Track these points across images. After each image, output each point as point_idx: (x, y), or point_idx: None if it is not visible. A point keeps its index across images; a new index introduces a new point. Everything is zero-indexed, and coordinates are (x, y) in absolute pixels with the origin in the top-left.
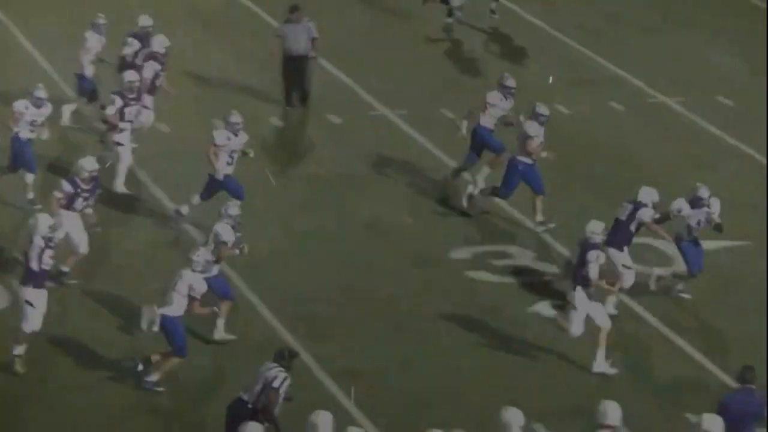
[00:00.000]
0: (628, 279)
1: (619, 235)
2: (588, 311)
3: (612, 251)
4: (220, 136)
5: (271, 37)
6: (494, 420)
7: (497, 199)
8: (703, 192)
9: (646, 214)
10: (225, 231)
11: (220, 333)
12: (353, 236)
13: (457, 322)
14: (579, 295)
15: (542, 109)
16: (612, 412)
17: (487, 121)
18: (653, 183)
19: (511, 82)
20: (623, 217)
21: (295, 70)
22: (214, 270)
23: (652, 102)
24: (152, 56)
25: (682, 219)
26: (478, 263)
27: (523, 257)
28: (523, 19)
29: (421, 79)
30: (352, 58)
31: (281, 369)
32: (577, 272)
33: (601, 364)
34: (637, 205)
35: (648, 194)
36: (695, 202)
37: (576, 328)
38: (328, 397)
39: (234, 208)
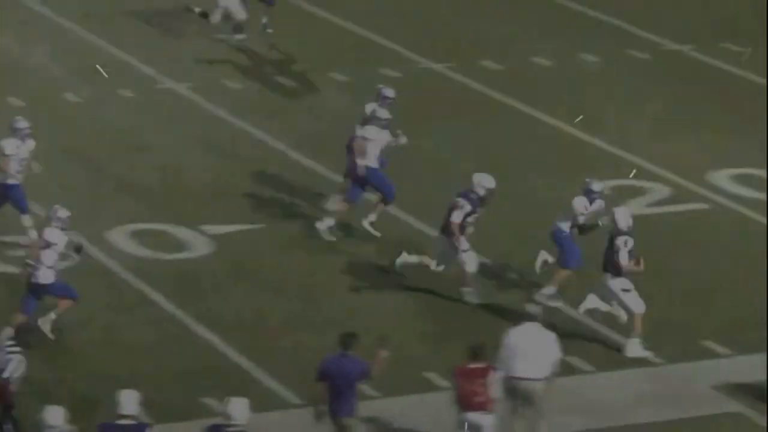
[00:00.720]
0: (472, 263)
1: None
2: (623, 299)
3: (445, 239)
4: (10, 144)
5: None
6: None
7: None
8: (596, 186)
9: (457, 216)
10: (55, 235)
11: (46, 325)
12: None
13: None
14: (615, 283)
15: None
16: (127, 400)
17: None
18: (164, 168)
19: (388, 92)
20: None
21: None
22: (52, 275)
23: (160, 88)
24: None
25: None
26: None
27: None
28: (26, 6)
29: None
30: None
31: (15, 351)
32: (609, 261)
33: (636, 350)
34: (466, 193)
35: (484, 181)
36: (588, 196)
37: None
38: None
39: (62, 210)
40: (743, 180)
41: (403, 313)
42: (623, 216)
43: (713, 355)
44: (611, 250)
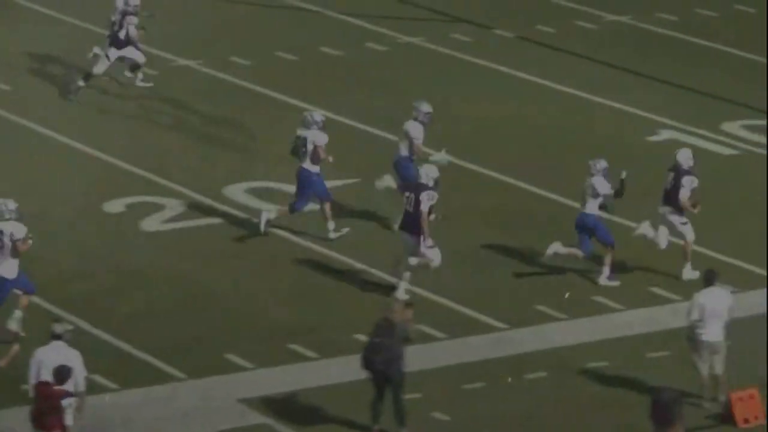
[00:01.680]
0: (436, 257)
1: (411, 222)
2: (682, 230)
3: (409, 236)
4: None
5: None
6: None
7: None
8: (603, 164)
9: (425, 205)
10: (17, 228)
11: (16, 323)
12: None
13: None
14: (672, 216)
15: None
16: None
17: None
18: None
19: (425, 107)
20: (410, 208)
21: None
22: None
23: None
24: None
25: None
26: None
27: None
28: None
29: None
30: None
31: None
32: (672, 196)
33: (688, 273)
34: (419, 189)
35: (428, 172)
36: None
37: (664, 242)
38: None
39: (12, 203)
40: (258, 193)
41: None
42: (685, 157)
43: (236, 368)
44: (676, 188)
